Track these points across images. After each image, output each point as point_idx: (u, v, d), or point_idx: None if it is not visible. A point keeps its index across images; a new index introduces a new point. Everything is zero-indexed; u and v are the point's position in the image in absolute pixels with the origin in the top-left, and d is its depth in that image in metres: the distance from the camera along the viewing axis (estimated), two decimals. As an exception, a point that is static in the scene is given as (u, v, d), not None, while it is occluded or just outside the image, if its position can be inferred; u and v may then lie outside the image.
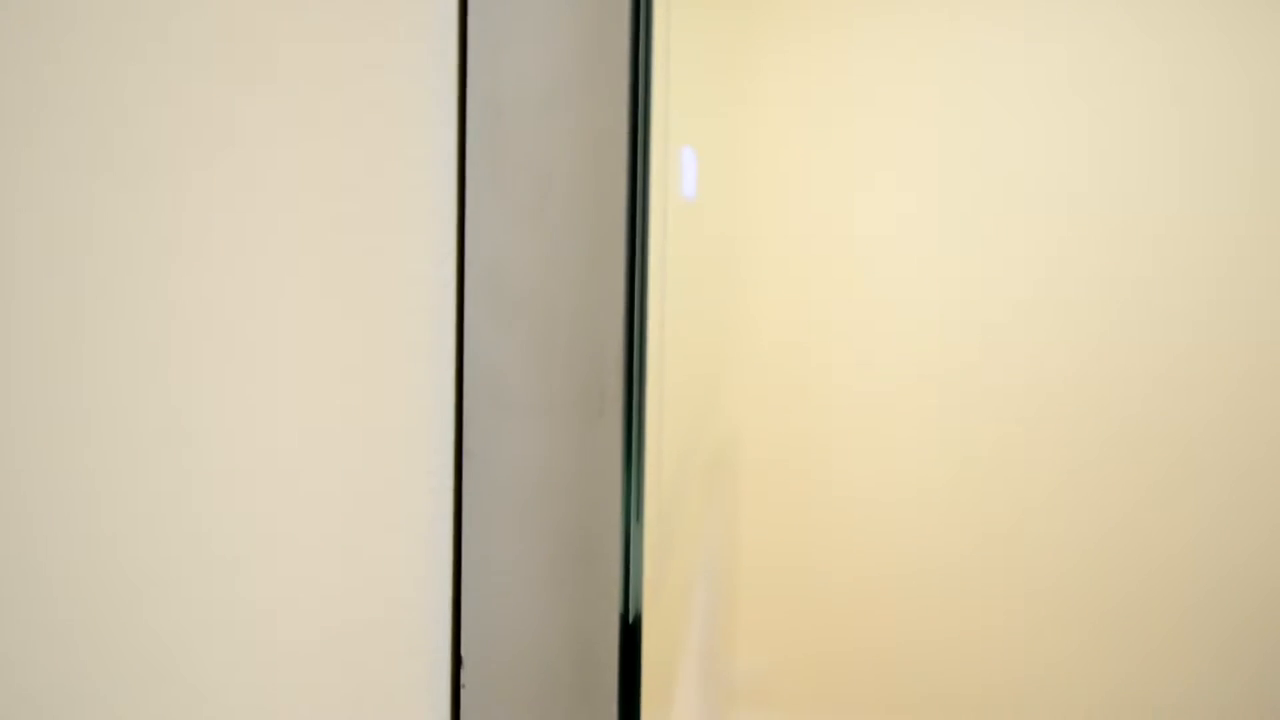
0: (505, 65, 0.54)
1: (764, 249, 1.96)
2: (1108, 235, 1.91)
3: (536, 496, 0.55)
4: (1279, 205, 1.90)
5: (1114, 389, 1.93)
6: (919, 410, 1.95)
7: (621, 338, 0.55)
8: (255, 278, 0.38)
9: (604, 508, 0.55)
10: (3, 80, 0.26)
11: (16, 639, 0.27)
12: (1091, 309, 1.92)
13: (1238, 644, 1.94)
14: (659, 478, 0.62)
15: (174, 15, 0.32)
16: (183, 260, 0.34)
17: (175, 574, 0.33)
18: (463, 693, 0.55)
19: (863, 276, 1.95)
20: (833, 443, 1.98)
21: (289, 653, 0.40)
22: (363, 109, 0.46)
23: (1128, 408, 1.93)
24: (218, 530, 0.35)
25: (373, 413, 0.48)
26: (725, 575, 1.93)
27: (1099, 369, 1.93)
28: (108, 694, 0.30)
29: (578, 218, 0.54)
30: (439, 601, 0.54)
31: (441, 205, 0.54)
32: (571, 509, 0.55)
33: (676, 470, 0.74)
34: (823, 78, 1.92)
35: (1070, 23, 1.89)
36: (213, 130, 0.35)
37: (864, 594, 1.99)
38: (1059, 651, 1.97)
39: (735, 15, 1.94)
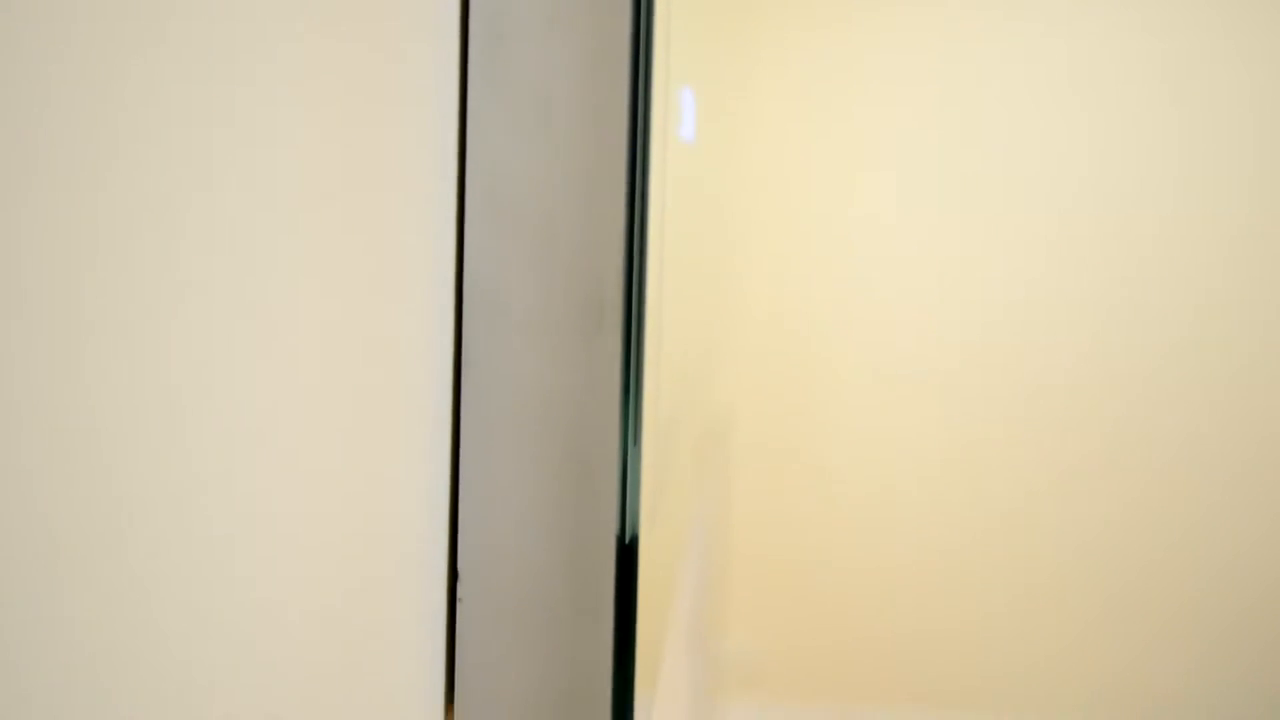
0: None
1: (761, 223, 1.97)
2: (1106, 220, 1.92)
3: (535, 413, 0.55)
4: (1277, 198, 1.91)
5: (1112, 372, 1.93)
6: (916, 393, 1.95)
7: (621, 257, 0.55)
8: (252, 199, 0.38)
9: (602, 427, 0.55)
10: (3, 79, 0.26)
11: (15, 637, 0.27)
12: (1090, 293, 1.92)
13: (1234, 635, 1.94)
14: (657, 404, 0.62)
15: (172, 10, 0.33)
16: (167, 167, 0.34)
17: (168, 504, 0.33)
18: (459, 606, 0.55)
19: (860, 256, 1.95)
20: (827, 425, 1.98)
21: (281, 567, 0.40)
22: (361, 34, 0.46)
23: (1126, 392, 1.93)
24: (210, 454, 0.35)
25: (372, 328, 0.48)
26: (716, 555, 1.93)
27: (1097, 353, 1.93)
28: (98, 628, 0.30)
29: (579, 137, 0.55)
30: (435, 515, 0.54)
31: (443, 123, 0.54)
32: (570, 427, 0.55)
33: (671, 414, 0.74)
34: (821, 56, 1.93)
35: (1070, 17, 1.90)
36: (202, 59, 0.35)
37: (857, 578, 1.99)
38: (1055, 635, 1.97)
39: None
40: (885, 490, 1.99)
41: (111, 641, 0.30)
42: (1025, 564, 2.00)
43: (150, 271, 0.32)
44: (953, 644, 1.99)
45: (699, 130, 0.97)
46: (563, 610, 0.55)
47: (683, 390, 0.87)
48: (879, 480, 2.00)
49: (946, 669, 2.01)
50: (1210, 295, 1.95)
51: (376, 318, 0.48)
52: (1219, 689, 1.99)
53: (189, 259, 0.33)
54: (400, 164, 0.50)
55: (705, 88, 1.08)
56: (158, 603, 0.32)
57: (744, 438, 1.97)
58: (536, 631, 0.55)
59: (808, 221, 1.97)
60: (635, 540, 0.55)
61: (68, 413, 0.28)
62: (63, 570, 0.28)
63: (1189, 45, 1.87)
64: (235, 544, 0.37)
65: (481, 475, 0.55)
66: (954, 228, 1.95)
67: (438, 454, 0.54)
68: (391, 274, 0.49)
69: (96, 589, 0.29)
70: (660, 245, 0.61)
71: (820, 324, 1.99)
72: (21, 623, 0.27)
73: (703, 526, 1.71)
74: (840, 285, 1.97)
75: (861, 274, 1.98)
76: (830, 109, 1.96)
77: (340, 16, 0.44)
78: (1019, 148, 1.92)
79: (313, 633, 0.42)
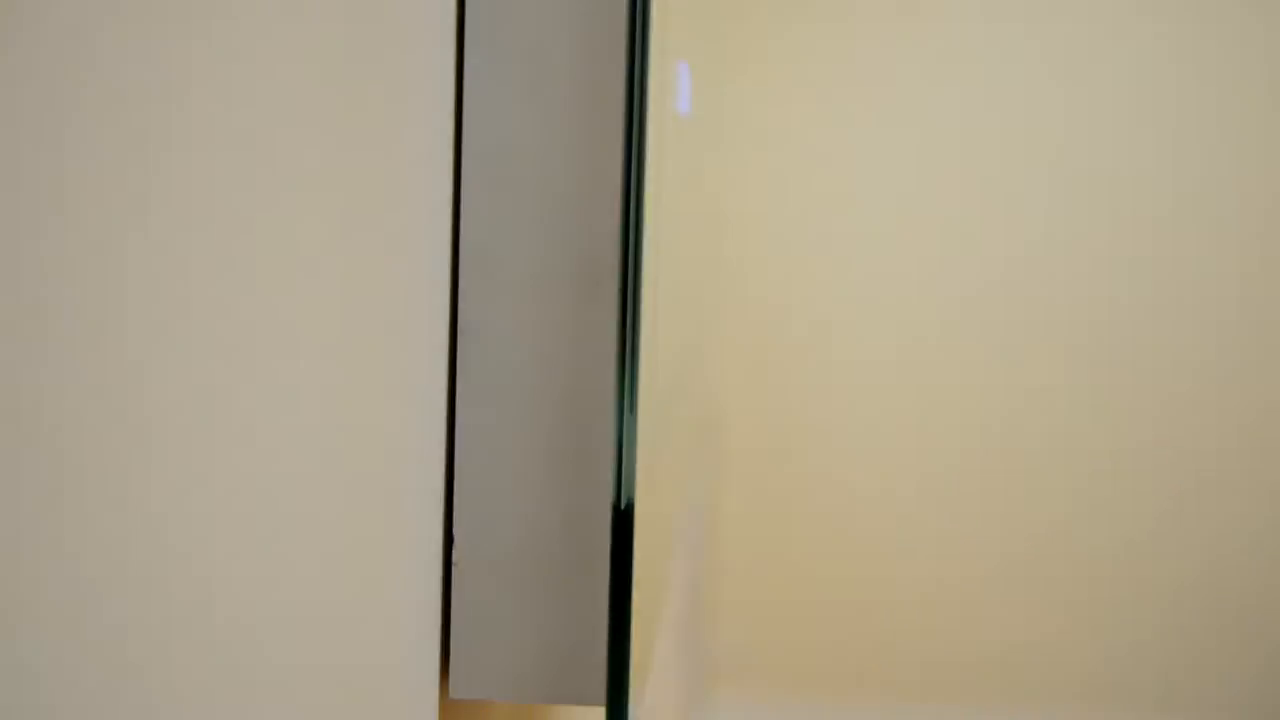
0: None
1: (757, 200, 1.96)
2: (1102, 195, 1.91)
3: (531, 377, 0.55)
4: (1264, 194, 1.91)
5: (1107, 364, 1.93)
6: (913, 377, 1.95)
7: (617, 222, 0.54)
8: (244, 164, 0.37)
9: (598, 393, 0.55)
10: (4, 79, 0.26)
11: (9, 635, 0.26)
12: (1091, 274, 1.92)
13: (1236, 628, 1.95)
14: (653, 374, 0.62)
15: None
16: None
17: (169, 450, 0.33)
18: (454, 571, 0.55)
19: (858, 234, 1.95)
20: (822, 411, 1.97)
21: (273, 535, 0.40)
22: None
23: (1122, 389, 1.93)
24: (197, 425, 0.35)
25: (366, 293, 0.47)
26: (708, 544, 1.93)
27: (1093, 338, 1.93)
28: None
29: (576, 101, 0.54)
30: (431, 479, 0.54)
31: (440, 84, 0.54)
32: (566, 393, 0.55)
33: (668, 387, 0.74)
34: (820, 32, 1.92)
35: (1072, 6, 1.89)
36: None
37: (850, 571, 1.99)
38: (1049, 629, 1.97)
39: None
40: (879, 480, 1.99)
41: (104, 619, 0.30)
42: (1019, 558, 2.00)
43: (133, 214, 0.31)
44: (946, 636, 1.99)
45: (696, 104, 0.97)
46: (558, 575, 0.54)
47: (679, 364, 0.87)
48: (874, 469, 2.00)
49: (940, 660, 2.01)
50: (1207, 287, 1.95)
51: (371, 283, 0.48)
52: (1218, 680, 2.00)
53: (178, 219, 0.33)
54: (396, 128, 0.50)
55: (703, 62, 1.08)
56: (146, 583, 0.32)
57: (737, 423, 1.97)
58: (532, 596, 0.54)
59: (805, 198, 1.97)
60: (631, 506, 0.54)
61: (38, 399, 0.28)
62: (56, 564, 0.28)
63: (1188, 31, 1.87)
64: (225, 506, 0.36)
65: (477, 439, 0.54)
66: (955, 205, 1.94)
67: (433, 418, 0.54)
68: (386, 238, 0.49)
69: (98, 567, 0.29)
70: (657, 214, 0.61)
71: (817, 306, 1.98)
72: (15, 621, 0.26)
73: (696, 512, 1.71)
74: (838, 263, 1.97)
75: (859, 253, 1.98)
76: (829, 89, 1.95)
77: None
78: (1016, 127, 1.92)
79: (306, 599, 0.42)
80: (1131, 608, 2.00)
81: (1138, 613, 2.00)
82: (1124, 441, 2.00)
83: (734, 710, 2.04)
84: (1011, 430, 1.99)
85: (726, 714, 2.04)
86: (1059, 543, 2.00)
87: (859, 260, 1.99)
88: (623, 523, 0.54)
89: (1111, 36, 1.89)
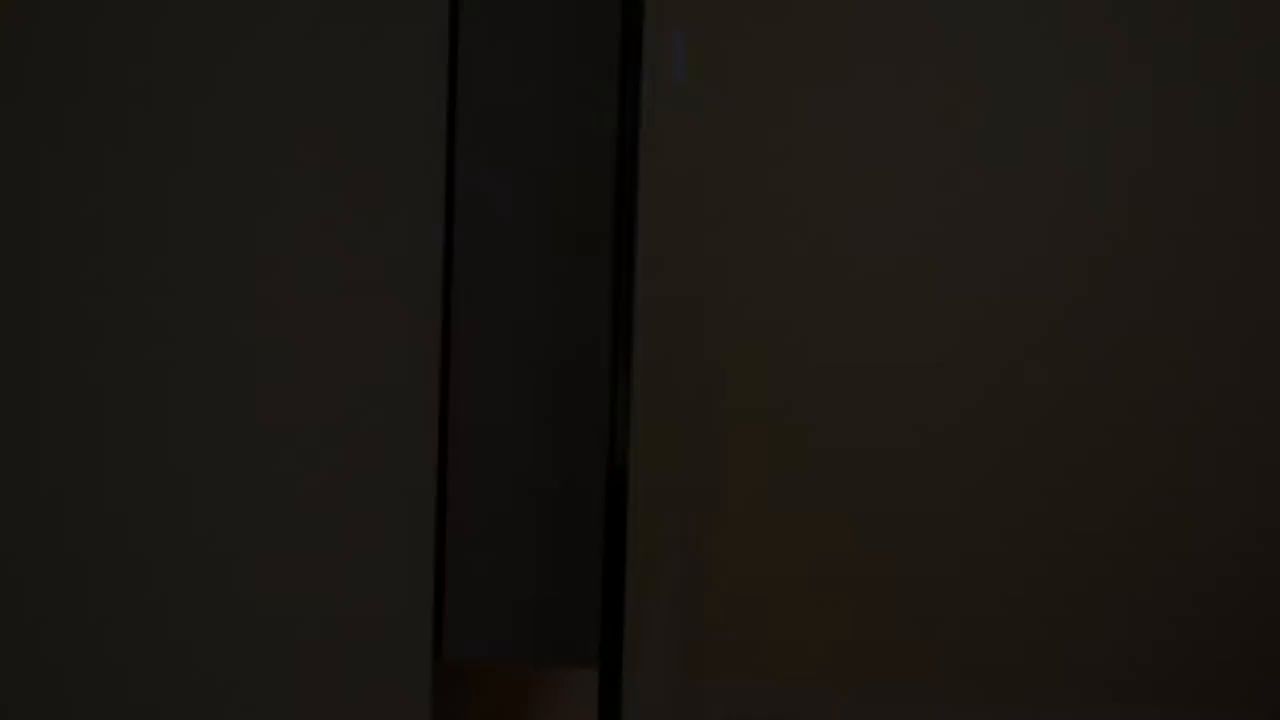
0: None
1: (755, 176, 1.95)
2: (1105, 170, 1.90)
3: (525, 339, 0.54)
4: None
5: (1107, 360, 1.93)
6: (915, 374, 1.95)
7: (611, 184, 0.54)
8: (237, 139, 0.37)
9: (592, 354, 0.54)
10: (7, 87, 0.26)
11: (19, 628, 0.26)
12: (1086, 274, 1.92)
13: (1229, 628, 1.94)
14: (649, 339, 0.62)
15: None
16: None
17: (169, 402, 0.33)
18: (448, 533, 0.55)
19: (859, 211, 1.94)
20: (823, 394, 1.97)
21: (274, 493, 0.40)
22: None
23: (1124, 389, 1.93)
24: (209, 381, 0.35)
25: (361, 253, 0.47)
26: (707, 523, 1.93)
27: (1094, 338, 1.93)
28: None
29: (572, 61, 0.54)
30: (425, 441, 0.54)
31: (434, 48, 0.54)
32: (561, 355, 0.54)
33: (666, 353, 0.73)
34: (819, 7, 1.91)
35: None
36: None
37: (850, 558, 1.99)
38: (1050, 624, 1.97)
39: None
40: (883, 465, 1.98)
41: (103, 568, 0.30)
42: (1021, 552, 2.00)
43: (133, 178, 0.31)
44: (946, 628, 1.99)
45: (695, 70, 0.96)
46: (553, 537, 0.54)
47: (680, 330, 0.86)
48: (876, 455, 1.99)
49: (939, 652, 2.01)
50: (1210, 290, 1.94)
51: (365, 246, 0.47)
52: (1219, 680, 2.00)
53: (178, 178, 0.33)
54: (390, 94, 0.49)
55: (702, 28, 1.07)
56: (137, 563, 0.32)
57: (738, 401, 1.97)
58: (526, 558, 0.54)
59: (807, 169, 1.96)
60: (625, 467, 0.54)
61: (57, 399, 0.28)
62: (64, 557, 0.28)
63: (1195, 26, 1.86)
64: (220, 471, 0.36)
65: (471, 400, 0.54)
66: (967, 177, 1.93)
67: (428, 379, 0.54)
68: (380, 201, 0.49)
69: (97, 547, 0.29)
70: (653, 178, 0.61)
71: (819, 285, 1.98)
72: (28, 615, 0.26)
73: (695, 486, 1.70)
74: (842, 239, 1.96)
75: (865, 228, 1.97)
76: (833, 58, 1.94)
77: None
78: (1025, 104, 1.91)
79: (300, 562, 0.42)
80: (1133, 607, 2.01)
81: (1139, 612, 2.00)
82: (1127, 441, 1.99)
83: (731, 696, 2.05)
84: (1016, 425, 1.99)
85: (724, 700, 2.05)
86: (1061, 541, 2.00)
87: (865, 237, 1.98)
88: (618, 484, 0.54)
89: (1131, 27, 1.88)
